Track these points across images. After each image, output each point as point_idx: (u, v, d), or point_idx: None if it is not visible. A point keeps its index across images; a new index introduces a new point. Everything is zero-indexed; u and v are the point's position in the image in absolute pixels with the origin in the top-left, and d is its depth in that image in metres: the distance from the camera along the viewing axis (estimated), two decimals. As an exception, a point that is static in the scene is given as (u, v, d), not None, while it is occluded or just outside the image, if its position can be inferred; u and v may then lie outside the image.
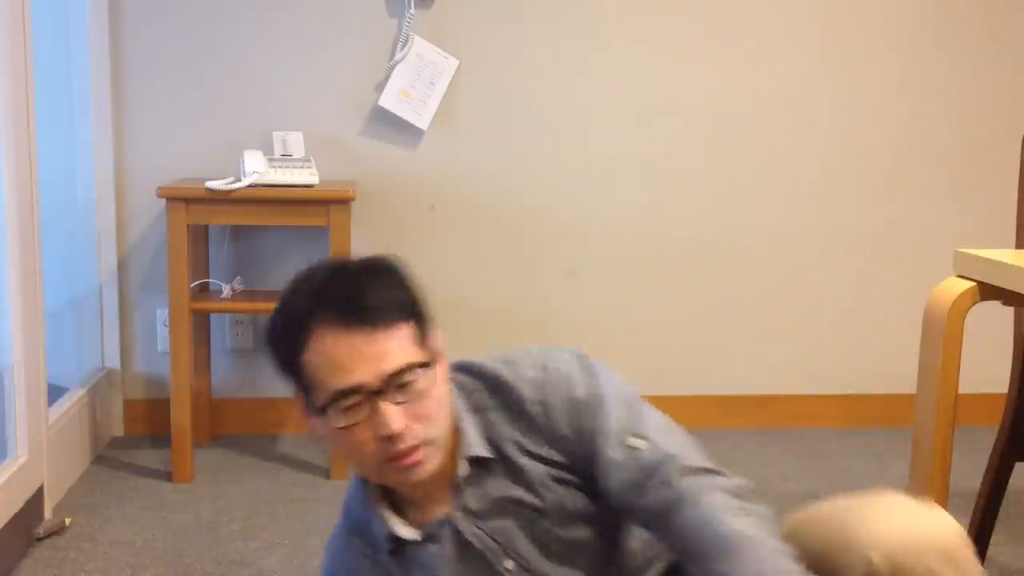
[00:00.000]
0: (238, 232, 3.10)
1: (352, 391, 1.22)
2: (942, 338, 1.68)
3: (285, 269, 3.12)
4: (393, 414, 1.22)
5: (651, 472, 1.26)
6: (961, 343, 1.69)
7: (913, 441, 1.79)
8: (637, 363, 3.15)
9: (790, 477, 2.95)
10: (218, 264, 3.08)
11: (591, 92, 3.18)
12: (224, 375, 3.16)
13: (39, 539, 2.38)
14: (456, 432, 1.31)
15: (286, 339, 1.28)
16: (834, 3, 3.24)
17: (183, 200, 2.71)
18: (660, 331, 3.29)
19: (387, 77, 3.07)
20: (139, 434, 3.14)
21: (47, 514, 2.46)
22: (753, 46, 3.22)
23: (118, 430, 3.14)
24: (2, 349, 2.33)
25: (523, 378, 1.33)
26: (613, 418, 1.30)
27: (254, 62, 3.05)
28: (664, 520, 1.25)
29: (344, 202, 2.78)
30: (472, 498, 1.31)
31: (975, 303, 1.71)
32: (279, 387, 3.51)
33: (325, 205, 2.76)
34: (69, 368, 2.95)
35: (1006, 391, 2.09)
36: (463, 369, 1.37)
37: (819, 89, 3.26)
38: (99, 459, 2.93)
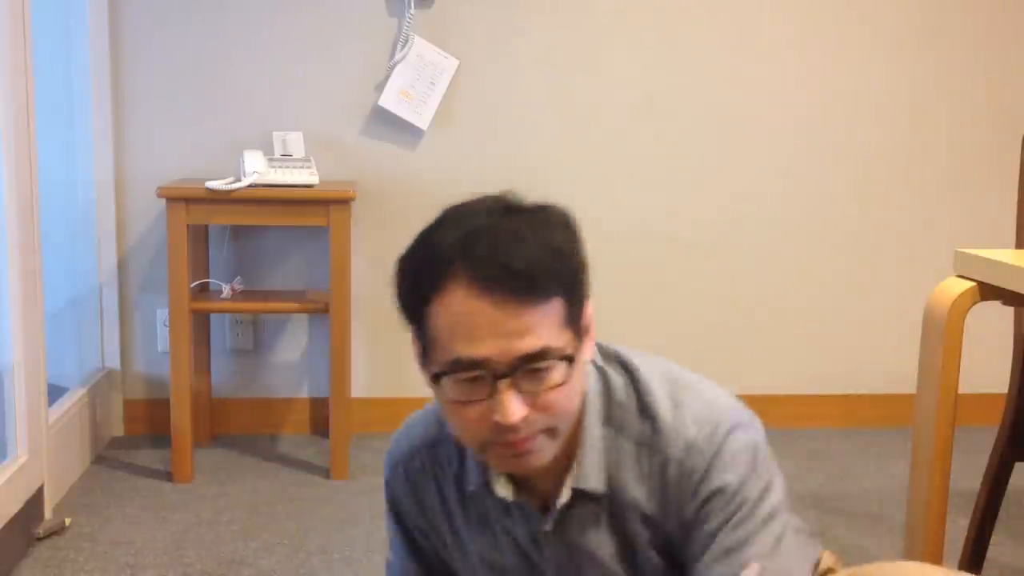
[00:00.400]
0: (238, 232, 3.10)
1: (474, 364, 1.04)
2: (942, 338, 1.68)
3: (285, 269, 3.13)
4: (514, 403, 1.04)
5: None
6: (961, 343, 1.69)
7: (913, 441, 1.79)
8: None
9: (790, 477, 2.93)
10: (218, 264, 3.08)
11: (591, 92, 3.18)
12: (224, 375, 3.16)
13: (39, 539, 2.38)
14: (578, 434, 1.14)
15: (415, 281, 1.08)
16: (835, 3, 3.24)
17: (183, 200, 2.71)
18: (660, 331, 3.29)
19: (387, 77, 3.07)
20: (139, 434, 3.14)
21: (47, 514, 2.46)
22: (753, 46, 3.23)
23: (118, 430, 3.14)
24: (2, 349, 2.33)
25: (682, 432, 1.14)
26: (741, 529, 1.12)
27: (254, 62, 3.05)
28: None
29: (344, 202, 2.78)
30: (561, 522, 1.17)
31: (975, 303, 1.71)
32: (279, 387, 3.52)
33: (325, 205, 2.76)
34: (69, 368, 2.95)
35: (1006, 391, 2.09)
36: (621, 363, 1.19)
37: (819, 89, 3.26)
38: (99, 459, 2.93)
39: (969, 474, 2.37)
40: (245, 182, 2.73)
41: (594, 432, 1.15)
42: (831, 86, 3.27)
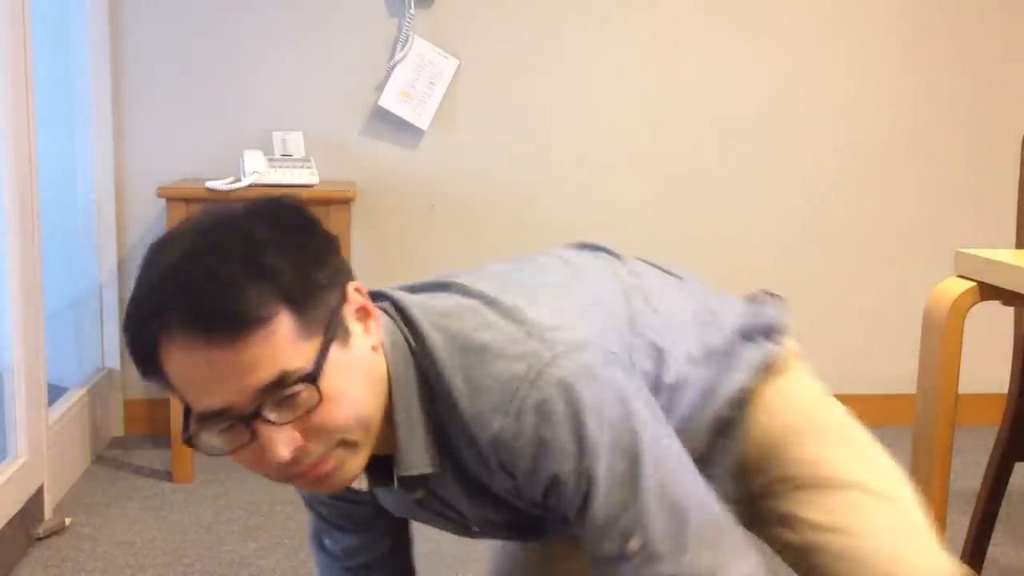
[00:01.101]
0: (238, 232, 3.09)
1: (219, 415, 0.96)
2: (942, 338, 1.68)
3: (285, 269, 3.12)
4: (277, 440, 0.96)
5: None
6: (961, 343, 1.69)
7: (913, 441, 1.79)
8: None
9: (790, 477, 2.95)
10: (218, 264, 3.08)
11: (591, 92, 3.18)
12: (224, 375, 3.16)
13: (39, 539, 2.38)
14: (391, 418, 1.04)
15: (132, 343, 0.98)
16: (835, 3, 3.24)
17: (183, 200, 2.71)
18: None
19: (387, 77, 3.07)
20: (139, 434, 3.14)
21: (47, 514, 2.46)
22: (753, 46, 3.22)
23: (118, 430, 3.14)
24: (2, 349, 2.33)
25: (487, 427, 1.01)
26: (601, 505, 1.01)
27: (254, 62, 3.05)
28: None
29: (344, 202, 2.78)
30: (426, 488, 1.10)
31: (975, 303, 1.71)
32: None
33: (325, 205, 2.76)
34: (69, 368, 2.95)
35: (1006, 391, 2.09)
36: (413, 331, 1.05)
37: (819, 89, 3.26)
38: (99, 459, 2.93)
39: (969, 474, 2.37)
40: (245, 182, 2.73)
41: (411, 412, 1.04)
42: (831, 86, 3.27)
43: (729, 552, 1.05)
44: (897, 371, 3.32)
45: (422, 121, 3.09)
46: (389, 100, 3.07)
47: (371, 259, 3.13)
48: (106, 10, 2.97)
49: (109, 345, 3.09)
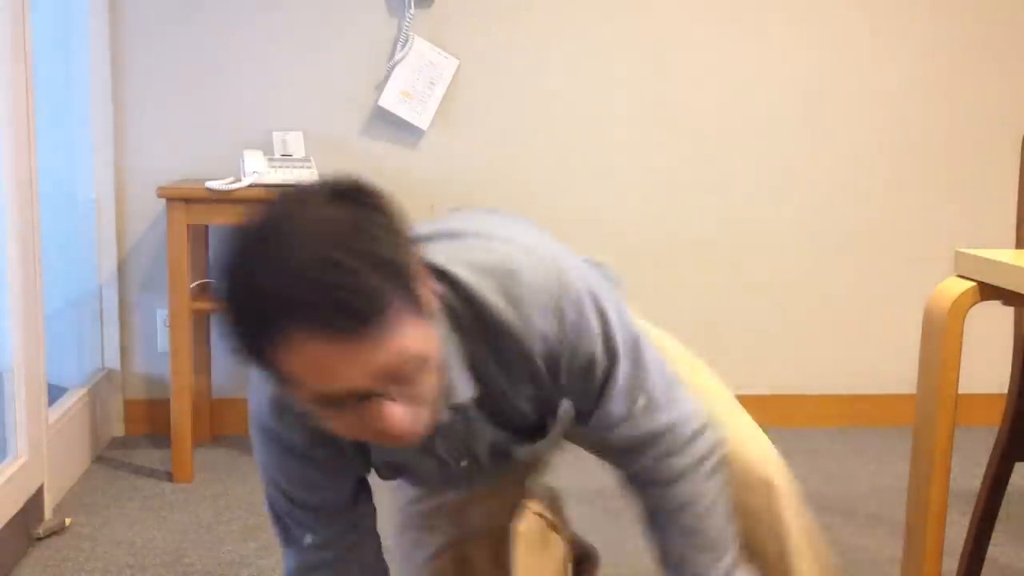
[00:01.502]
0: (238, 232, 3.10)
1: (341, 396, 1.02)
2: (942, 338, 1.68)
3: (285, 269, 3.12)
4: (394, 413, 1.03)
5: (647, 440, 1.29)
6: (961, 343, 1.69)
7: (913, 441, 1.79)
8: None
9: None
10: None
11: (591, 92, 3.18)
12: (224, 375, 3.16)
13: (39, 539, 2.38)
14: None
15: (247, 333, 1.01)
16: (835, 4, 3.24)
17: (183, 200, 2.71)
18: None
19: (387, 77, 3.07)
20: (139, 434, 3.14)
21: (47, 514, 2.46)
22: (753, 46, 3.23)
23: (118, 430, 3.14)
24: (2, 349, 2.33)
25: (533, 329, 1.16)
26: (622, 375, 1.25)
27: (254, 62, 3.05)
28: (642, 484, 1.33)
29: (344, 202, 2.77)
30: (446, 418, 1.20)
31: (975, 303, 1.71)
32: (279, 387, 3.45)
33: (325, 205, 2.76)
34: (69, 368, 2.95)
35: (1006, 391, 2.09)
36: (439, 273, 1.16)
37: (819, 89, 3.26)
38: (99, 459, 2.94)
39: (969, 474, 2.37)
40: (245, 182, 2.73)
41: (449, 346, 1.15)
42: (831, 87, 3.27)
43: (689, 396, 1.35)
44: (897, 371, 3.32)
45: (422, 121, 3.09)
46: (389, 100, 3.07)
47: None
48: (106, 10, 2.97)
49: (109, 345, 3.09)
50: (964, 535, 2.16)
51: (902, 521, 2.41)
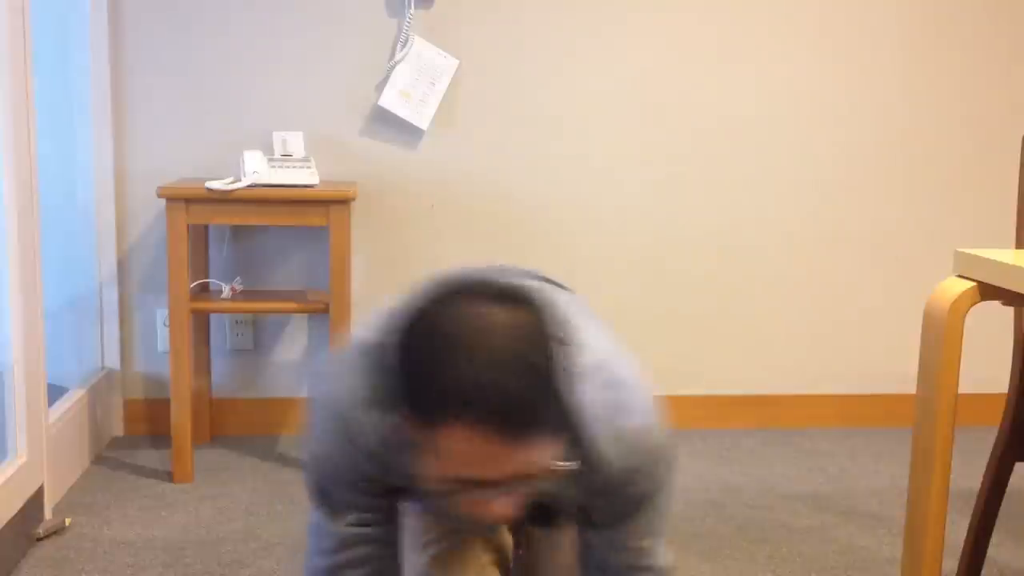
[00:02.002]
0: (238, 232, 3.10)
1: (476, 484, 1.12)
2: (942, 338, 1.68)
3: (285, 269, 3.13)
4: (501, 504, 1.15)
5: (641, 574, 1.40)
6: (961, 343, 1.69)
7: (913, 441, 1.79)
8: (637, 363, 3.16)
9: (790, 477, 2.95)
10: (218, 264, 3.08)
11: (591, 92, 3.18)
12: (224, 375, 3.16)
13: (39, 539, 2.38)
14: None
15: (421, 407, 1.11)
16: (835, 3, 3.24)
17: (183, 200, 2.71)
18: (660, 331, 3.29)
19: (387, 77, 3.07)
20: (139, 434, 3.14)
21: (47, 514, 2.46)
22: (753, 46, 3.23)
23: (118, 430, 3.14)
24: (2, 349, 2.33)
25: (618, 462, 1.30)
26: (650, 522, 1.37)
27: (254, 62, 3.05)
28: None
29: (344, 202, 2.78)
30: None
31: (975, 303, 1.71)
32: (279, 387, 3.51)
33: (325, 205, 2.76)
34: (69, 368, 2.95)
35: (1006, 391, 2.09)
36: (592, 449, 1.27)
37: (819, 89, 3.27)
38: (99, 459, 2.94)
39: (969, 474, 2.37)
40: (245, 182, 2.73)
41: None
42: (831, 87, 3.27)
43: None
44: (897, 371, 3.32)
45: (422, 121, 3.09)
46: (389, 100, 3.07)
47: (371, 259, 3.13)
48: (106, 10, 2.97)
49: (109, 345, 3.09)
50: (964, 535, 2.16)
51: (902, 521, 2.41)
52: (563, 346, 1.13)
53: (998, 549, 2.43)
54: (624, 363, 1.35)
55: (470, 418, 1.07)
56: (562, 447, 1.17)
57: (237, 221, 2.89)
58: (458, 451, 1.09)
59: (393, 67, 3.06)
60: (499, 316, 1.11)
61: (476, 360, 1.08)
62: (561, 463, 1.17)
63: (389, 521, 1.44)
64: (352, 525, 1.40)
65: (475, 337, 1.09)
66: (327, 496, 1.40)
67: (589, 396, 1.25)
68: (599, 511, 1.36)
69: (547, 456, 1.13)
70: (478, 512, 1.16)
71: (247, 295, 2.97)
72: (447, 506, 1.19)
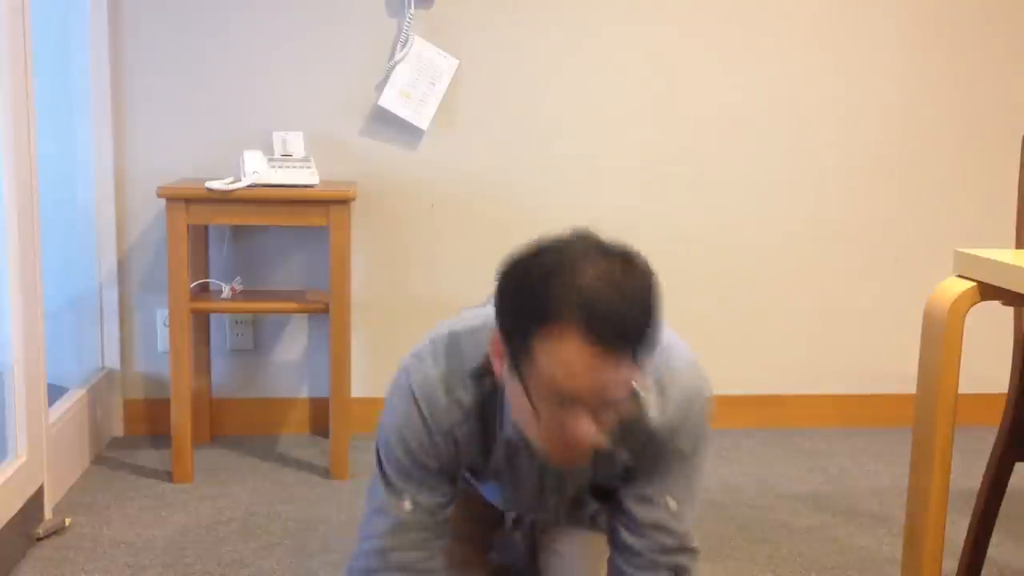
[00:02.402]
0: (238, 232, 3.10)
1: (572, 398, 1.22)
2: (942, 338, 1.68)
3: (285, 269, 3.13)
4: (589, 427, 1.24)
5: (664, 535, 1.48)
6: (961, 343, 1.69)
7: (913, 441, 1.79)
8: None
9: (790, 477, 2.95)
10: (218, 264, 3.08)
11: (591, 91, 3.18)
12: (224, 375, 3.16)
13: (39, 539, 2.38)
14: None
15: (528, 322, 1.22)
16: (836, 3, 3.24)
17: (183, 200, 2.71)
18: (660, 331, 3.29)
19: (387, 77, 3.07)
20: (139, 434, 3.14)
21: (47, 514, 2.46)
22: (753, 47, 3.23)
23: (118, 430, 3.14)
24: (2, 349, 2.33)
25: (662, 418, 1.41)
26: (678, 481, 1.47)
27: (254, 62, 3.05)
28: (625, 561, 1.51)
29: (344, 202, 2.78)
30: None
31: (975, 303, 1.71)
32: (279, 387, 3.51)
33: (325, 205, 2.76)
34: (69, 368, 2.95)
35: (1006, 391, 2.09)
36: (657, 392, 1.42)
37: (819, 89, 3.27)
38: (99, 459, 2.94)
39: (969, 474, 2.37)
40: (245, 182, 2.73)
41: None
42: (831, 86, 3.27)
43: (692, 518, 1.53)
44: (897, 371, 3.32)
45: (422, 121, 3.10)
46: (389, 100, 3.07)
47: (371, 259, 3.13)
48: (106, 10, 2.97)
49: (109, 345, 3.09)
50: (964, 535, 2.16)
51: (902, 521, 2.41)
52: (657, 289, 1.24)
53: (998, 549, 2.43)
54: (670, 331, 1.46)
55: (581, 322, 1.17)
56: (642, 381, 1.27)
57: (237, 221, 2.89)
58: (561, 360, 1.19)
59: (393, 67, 3.06)
60: (608, 251, 1.25)
61: (591, 273, 1.19)
62: (641, 393, 1.29)
63: (443, 513, 1.49)
64: (409, 512, 1.46)
65: (588, 258, 1.21)
66: (392, 477, 1.46)
67: (670, 375, 1.41)
68: (637, 471, 1.45)
69: (631, 384, 1.23)
70: (566, 437, 1.24)
71: (247, 295, 2.97)
72: (534, 438, 1.30)
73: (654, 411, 1.39)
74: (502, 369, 1.30)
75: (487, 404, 1.42)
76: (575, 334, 1.18)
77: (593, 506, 1.61)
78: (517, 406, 1.29)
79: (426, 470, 1.45)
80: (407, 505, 1.46)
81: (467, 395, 1.41)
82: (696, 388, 1.45)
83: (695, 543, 1.50)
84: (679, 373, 1.43)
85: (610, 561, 1.52)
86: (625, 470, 1.46)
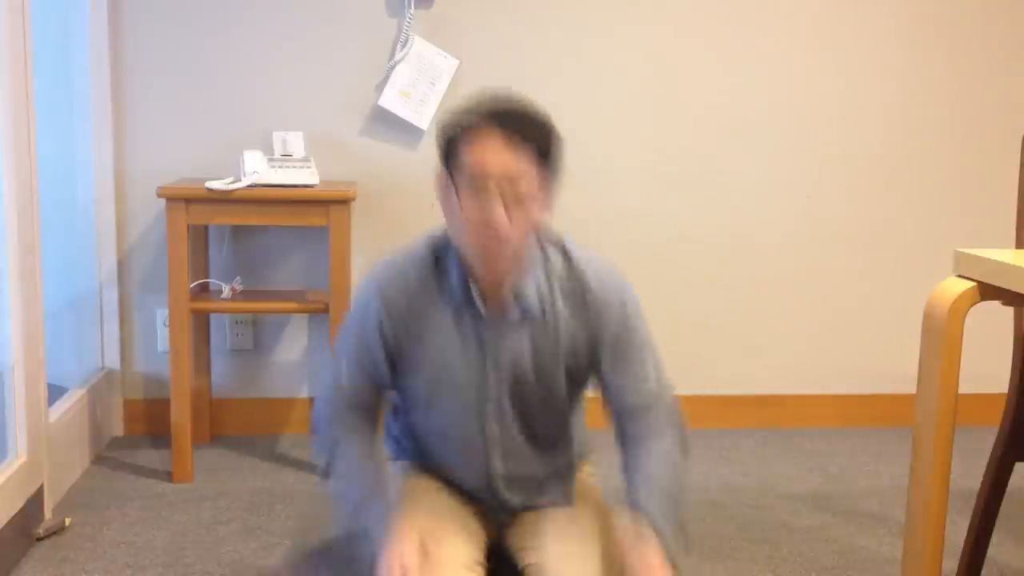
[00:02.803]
0: (238, 232, 3.10)
1: (484, 177, 1.55)
2: (942, 338, 1.68)
3: (285, 269, 3.13)
4: (498, 205, 1.55)
5: (648, 403, 1.75)
6: (961, 343, 1.69)
7: (913, 441, 1.79)
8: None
9: (790, 477, 2.95)
10: (218, 264, 3.08)
11: (591, 91, 3.18)
12: (224, 375, 3.16)
13: (39, 539, 2.38)
14: (523, 271, 1.67)
15: (456, 132, 1.60)
16: (836, 3, 3.24)
17: (183, 200, 2.71)
18: (660, 331, 3.27)
19: (387, 77, 3.07)
20: (139, 434, 3.14)
21: (47, 514, 2.46)
22: (753, 47, 3.23)
23: (118, 430, 3.14)
24: (2, 349, 2.33)
25: (598, 276, 1.73)
26: (645, 361, 1.75)
27: (254, 62, 3.05)
28: (626, 431, 1.75)
29: (344, 202, 2.78)
30: (507, 330, 1.68)
31: (975, 303, 1.71)
32: (279, 387, 3.51)
33: (325, 205, 2.76)
34: (69, 368, 2.95)
35: (1006, 391, 2.09)
36: (560, 246, 1.75)
37: (820, 89, 3.27)
38: (99, 459, 2.94)
39: (969, 474, 2.37)
40: (245, 182, 2.73)
41: (539, 270, 1.70)
42: (831, 87, 3.27)
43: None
44: (897, 371, 3.32)
45: (422, 121, 3.10)
46: (389, 100, 3.07)
47: (371, 259, 3.12)
48: (106, 10, 2.97)
49: (109, 345, 3.09)
50: (964, 535, 2.16)
51: (902, 521, 2.41)
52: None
53: (998, 549, 2.43)
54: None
55: (494, 121, 1.56)
56: (540, 208, 1.62)
57: (237, 221, 2.89)
58: (477, 149, 1.55)
59: (393, 67, 3.06)
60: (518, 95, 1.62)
61: (503, 95, 1.60)
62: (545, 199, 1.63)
63: (379, 389, 1.75)
64: (345, 386, 1.73)
65: (500, 93, 1.61)
66: (339, 354, 1.73)
67: (572, 245, 1.75)
68: (604, 352, 1.71)
69: (532, 183, 1.57)
70: (484, 220, 1.55)
71: (247, 295, 2.97)
72: (463, 243, 1.62)
73: (589, 276, 1.71)
74: (444, 199, 1.64)
75: (439, 263, 1.71)
76: (488, 129, 1.56)
77: (561, 403, 1.76)
78: (451, 218, 1.63)
79: (361, 343, 1.70)
80: (344, 369, 1.73)
81: (422, 252, 1.72)
82: (605, 261, 1.77)
83: (671, 399, 1.81)
84: (588, 253, 1.76)
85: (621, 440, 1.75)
86: (584, 354, 1.71)
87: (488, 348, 1.70)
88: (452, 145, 1.61)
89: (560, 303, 1.71)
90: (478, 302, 1.67)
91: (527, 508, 1.77)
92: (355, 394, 1.74)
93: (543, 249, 1.73)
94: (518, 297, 1.67)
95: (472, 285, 1.67)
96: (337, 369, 1.75)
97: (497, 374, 1.70)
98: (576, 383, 1.75)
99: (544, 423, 1.75)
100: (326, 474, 1.75)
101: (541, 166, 1.60)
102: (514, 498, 1.76)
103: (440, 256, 1.72)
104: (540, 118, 1.63)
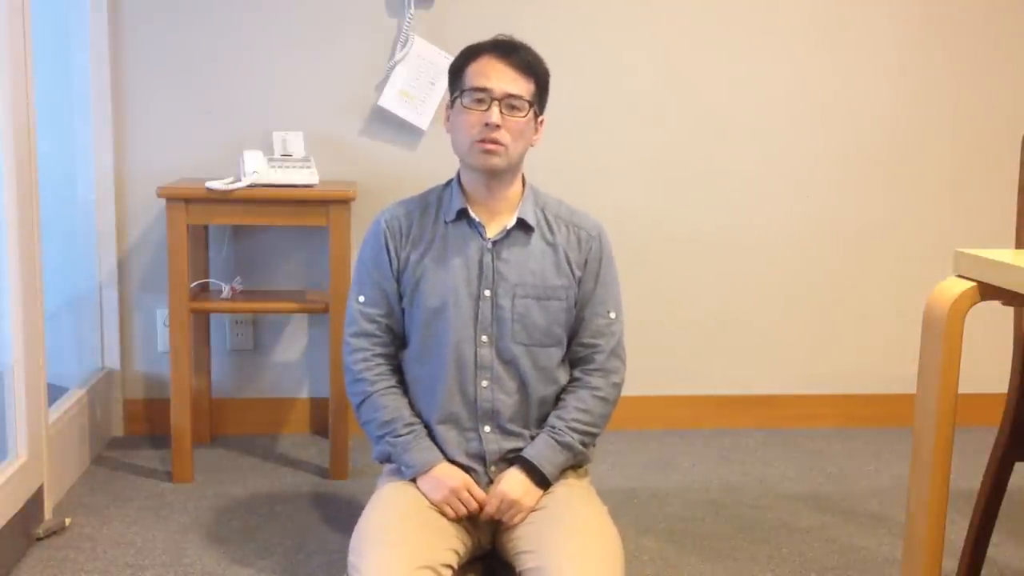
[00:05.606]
0: (238, 232, 3.10)
1: (483, 89, 1.90)
2: (942, 338, 1.68)
3: (285, 269, 3.13)
4: (496, 113, 1.89)
5: (604, 339, 2.03)
6: (961, 343, 1.69)
7: (913, 441, 1.79)
8: (637, 363, 3.14)
9: (790, 477, 2.95)
10: (218, 264, 3.08)
11: (590, 91, 3.18)
12: (224, 375, 3.16)
13: (39, 539, 2.38)
14: (521, 193, 2.02)
15: (462, 58, 1.95)
16: (834, 3, 3.24)
17: (183, 200, 2.71)
18: (660, 331, 3.29)
19: (387, 77, 3.07)
20: (139, 434, 3.14)
21: (47, 514, 2.46)
22: (752, 46, 3.23)
23: (118, 430, 3.14)
24: (2, 349, 2.33)
25: (594, 224, 2.09)
26: (609, 293, 2.05)
27: (254, 62, 3.06)
28: (578, 360, 2.04)
29: (344, 202, 2.78)
30: (506, 245, 1.98)
31: (975, 303, 1.71)
32: (279, 387, 3.51)
33: (325, 205, 2.76)
34: (69, 368, 2.95)
35: (1006, 391, 2.09)
36: (543, 194, 2.09)
37: (819, 88, 3.27)
38: (99, 459, 2.94)
39: (969, 474, 2.37)
40: (245, 182, 2.73)
41: (531, 202, 2.02)
42: (831, 87, 3.27)
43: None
44: (897, 371, 3.32)
45: (422, 121, 3.10)
46: (389, 100, 3.08)
47: (371, 259, 3.13)
48: (106, 10, 2.97)
49: (109, 345, 3.09)
50: (964, 535, 2.16)
51: (902, 521, 2.41)
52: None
53: (998, 549, 2.43)
54: None
55: (495, 48, 1.93)
56: (530, 129, 1.96)
57: (237, 221, 2.89)
58: (479, 66, 1.91)
59: (393, 67, 3.06)
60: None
61: (503, 37, 1.98)
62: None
63: (393, 315, 2.02)
64: (361, 304, 2.02)
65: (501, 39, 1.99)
66: (358, 279, 2.03)
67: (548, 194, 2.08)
68: (580, 285, 2.01)
69: (525, 104, 1.92)
70: (482, 122, 1.88)
71: (247, 295, 2.97)
72: (463, 145, 1.93)
73: (564, 216, 2.05)
74: (452, 120, 1.96)
75: (443, 190, 2.05)
76: (491, 54, 1.93)
77: (541, 324, 1.99)
78: (456, 133, 1.94)
79: (373, 266, 2.00)
80: (361, 299, 2.02)
81: (425, 191, 2.07)
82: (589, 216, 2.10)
83: (625, 353, 2.06)
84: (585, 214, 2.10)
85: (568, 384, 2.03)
86: (573, 278, 2.01)
87: (485, 268, 1.95)
88: (459, 71, 1.95)
89: (554, 226, 2.01)
90: (478, 224, 1.96)
91: (503, 459, 1.97)
92: (374, 321, 2.00)
93: (531, 188, 2.04)
94: (518, 221, 1.96)
95: (472, 211, 1.96)
96: (357, 294, 2.02)
97: (493, 294, 1.95)
98: (567, 309, 2.00)
99: (534, 354, 1.98)
100: (359, 412, 2.02)
101: (533, 96, 1.94)
102: (494, 438, 1.96)
103: (441, 193, 2.03)
104: (536, 56, 1.97)
